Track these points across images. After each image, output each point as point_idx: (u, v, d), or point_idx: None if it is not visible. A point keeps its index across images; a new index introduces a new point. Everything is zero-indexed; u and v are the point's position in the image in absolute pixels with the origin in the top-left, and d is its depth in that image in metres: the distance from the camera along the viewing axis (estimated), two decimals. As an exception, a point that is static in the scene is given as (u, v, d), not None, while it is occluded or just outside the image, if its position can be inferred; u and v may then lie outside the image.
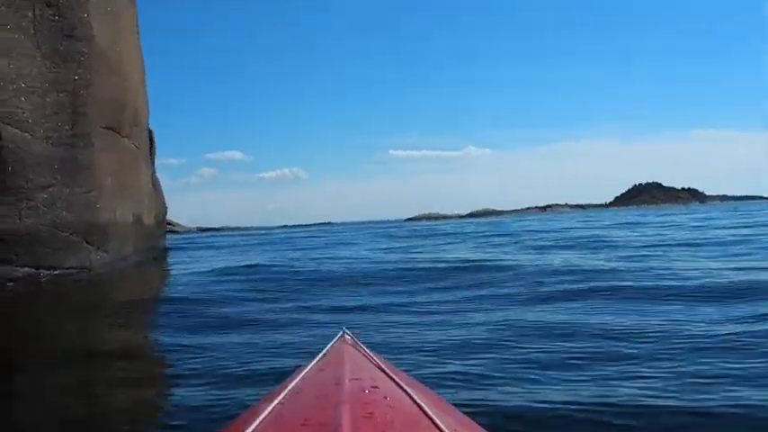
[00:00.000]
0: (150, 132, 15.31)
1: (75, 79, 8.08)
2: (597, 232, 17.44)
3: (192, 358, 3.70)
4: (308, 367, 1.63)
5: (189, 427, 2.55)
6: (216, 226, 63.87)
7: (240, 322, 4.90)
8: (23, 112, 7.16)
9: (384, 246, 16.61)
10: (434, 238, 20.00)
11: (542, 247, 12.51)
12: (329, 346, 1.89)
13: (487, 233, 21.72)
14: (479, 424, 1.42)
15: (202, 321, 5.05)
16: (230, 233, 50.63)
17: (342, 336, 2.02)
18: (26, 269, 7.07)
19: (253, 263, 10.42)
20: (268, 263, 10.55)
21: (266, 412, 1.25)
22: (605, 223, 25.12)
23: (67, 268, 7.64)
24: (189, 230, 57.16)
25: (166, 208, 17.36)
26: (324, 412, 1.21)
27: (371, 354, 1.81)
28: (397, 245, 16.88)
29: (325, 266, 9.48)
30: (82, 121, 8.17)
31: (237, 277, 8.36)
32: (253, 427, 1.17)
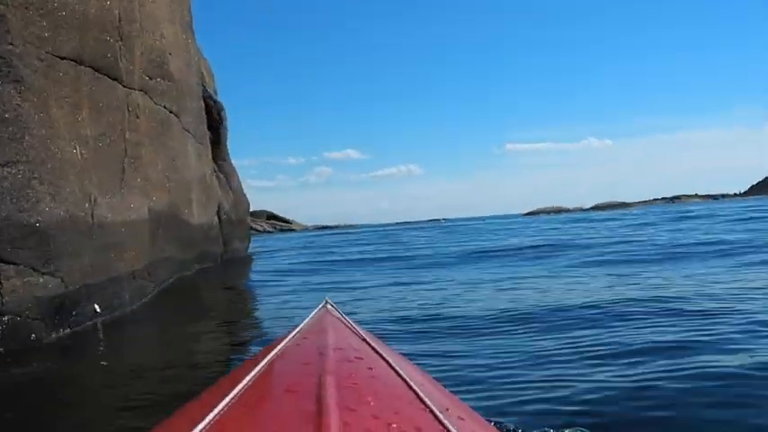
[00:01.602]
0: (215, 104, 11.76)
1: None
2: None
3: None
4: (291, 335, 1.58)
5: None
6: (331, 224, 61.84)
7: None
8: None
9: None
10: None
11: None
12: (312, 315, 1.86)
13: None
14: (462, 399, 1.38)
15: None
16: (344, 231, 47.88)
17: (324, 305, 1.98)
18: None
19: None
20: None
21: (249, 378, 1.20)
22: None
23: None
24: (306, 229, 55.64)
25: (246, 204, 13.85)
26: (307, 380, 1.18)
27: (354, 324, 1.78)
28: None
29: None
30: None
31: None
32: (235, 391, 1.12)
